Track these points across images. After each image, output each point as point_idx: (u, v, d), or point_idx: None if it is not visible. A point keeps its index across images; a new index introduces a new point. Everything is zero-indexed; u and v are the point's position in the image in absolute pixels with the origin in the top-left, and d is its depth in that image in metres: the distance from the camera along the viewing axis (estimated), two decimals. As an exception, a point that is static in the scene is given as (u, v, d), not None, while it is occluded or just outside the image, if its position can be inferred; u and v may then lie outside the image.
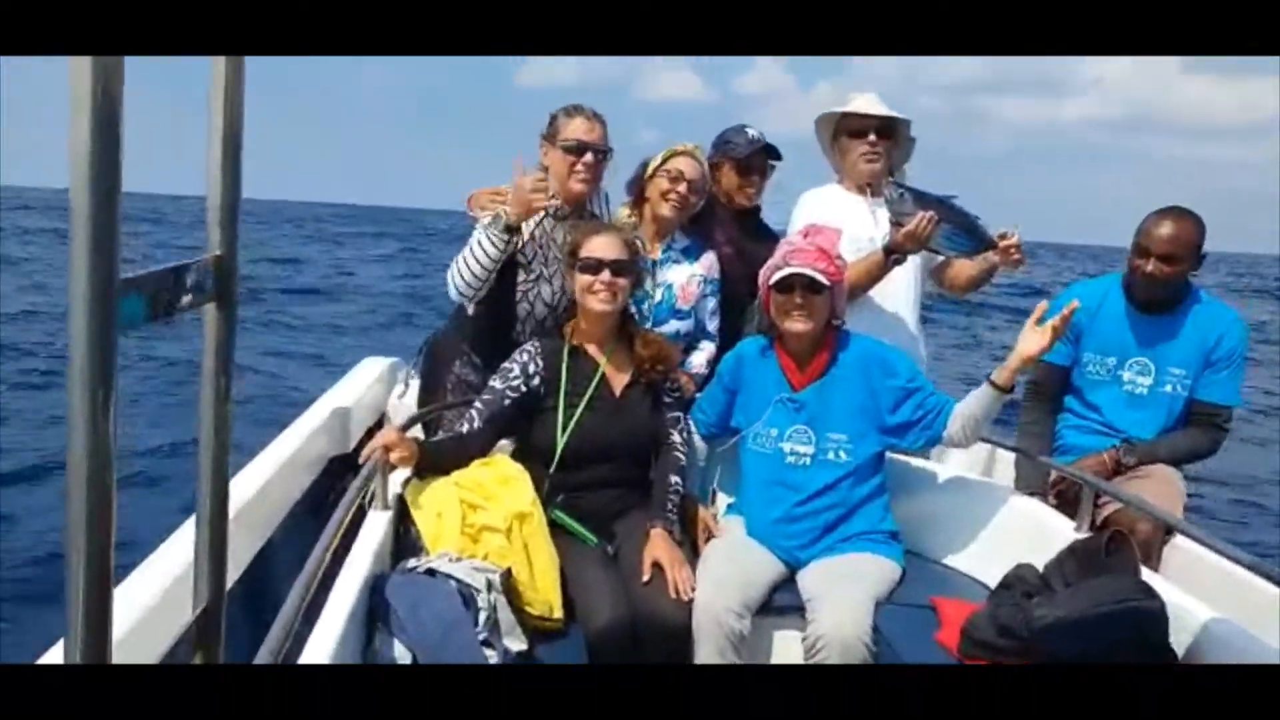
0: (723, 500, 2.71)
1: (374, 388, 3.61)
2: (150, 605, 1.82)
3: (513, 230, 2.57)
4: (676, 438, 2.55)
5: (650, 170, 2.87)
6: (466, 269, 2.60)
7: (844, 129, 3.02)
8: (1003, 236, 2.71)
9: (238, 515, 2.26)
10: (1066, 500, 2.67)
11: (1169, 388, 2.82)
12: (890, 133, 2.98)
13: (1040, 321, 2.35)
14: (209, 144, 0.89)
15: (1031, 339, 2.34)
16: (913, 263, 2.92)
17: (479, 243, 2.59)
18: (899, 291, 2.96)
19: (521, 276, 2.74)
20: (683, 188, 2.83)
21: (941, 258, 2.99)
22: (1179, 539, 2.52)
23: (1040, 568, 2.17)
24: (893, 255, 2.73)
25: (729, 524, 2.56)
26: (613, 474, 2.48)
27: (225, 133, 0.90)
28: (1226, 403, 2.81)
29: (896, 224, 2.69)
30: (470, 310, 2.83)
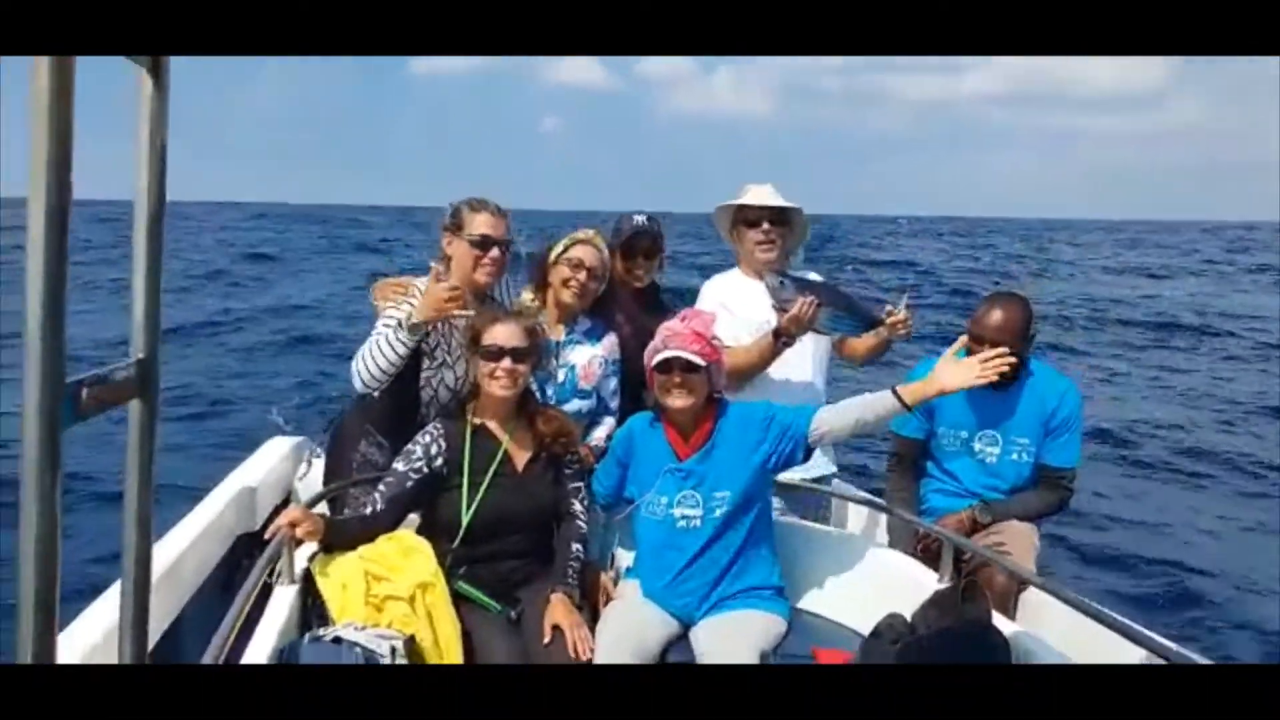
0: (621, 563, 2.83)
1: (279, 467, 3.66)
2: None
3: (419, 330, 2.62)
4: (578, 507, 2.68)
5: (553, 257, 3.01)
6: (374, 363, 2.64)
7: (740, 219, 3.24)
8: (890, 314, 2.89)
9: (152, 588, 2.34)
10: (932, 555, 2.86)
11: (1015, 455, 3.10)
12: (784, 220, 3.21)
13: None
14: (134, 259, 0.93)
15: (950, 373, 2.51)
16: (811, 339, 3.09)
17: (387, 341, 2.63)
18: (802, 364, 3.15)
19: (425, 364, 2.82)
20: (583, 275, 2.96)
21: (837, 337, 3.18)
22: (1035, 593, 2.72)
23: (909, 617, 2.33)
24: (780, 338, 2.92)
25: (626, 587, 2.67)
26: (516, 545, 2.58)
27: (149, 248, 0.93)
28: (1068, 465, 3.09)
29: (781, 310, 2.87)
30: (375, 394, 2.86)
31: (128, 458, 0.95)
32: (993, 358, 2.48)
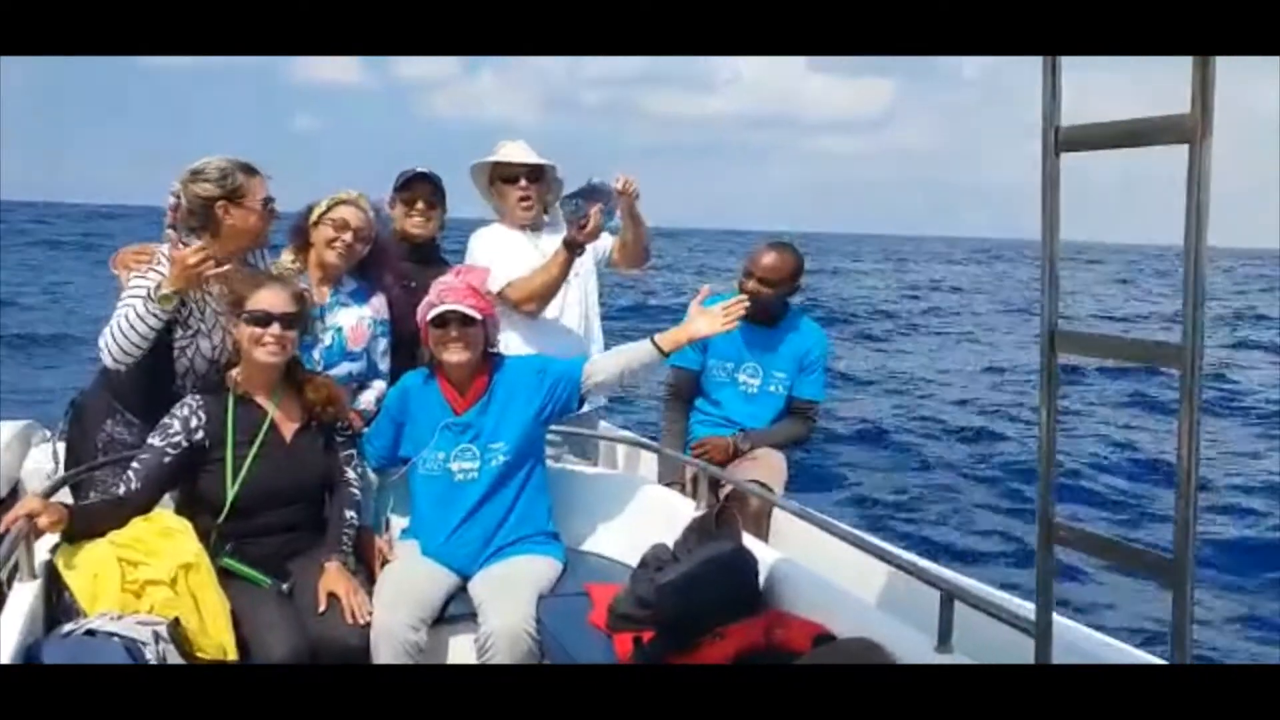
0: (396, 526, 2.84)
1: (3, 455, 3.34)
2: None
3: (170, 300, 2.48)
4: (351, 474, 2.66)
5: (315, 217, 2.93)
6: (124, 338, 2.49)
7: (497, 175, 3.34)
8: (618, 182, 3.03)
9: None
10: (698, 485, 3.06)
11: (773, 388, 3.43)
12: (539, 176, 3.32)
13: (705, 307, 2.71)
14: None
15: (702, 320, 2.68)
16: (580, 277, 3.30)
17: (137, 315, 2.49)
18: (570, 303, 3.30)
19: (179, 333, 2.66)
20: (348, 236, 2.91)
21: (606, 252, 3.37)
22: (779, 514, 3.00)
23: (671, 546, 2.49)
24: (574, 249, 3.04)
25: (403, 548, 2.70)
26: (286, 518, 2.53)
27: None
28: (814, 398, 3.47)
29: (580, 226, 3.00)
30: (121, 368, 2.71)
31: None
32: (734, 304, 2.70)
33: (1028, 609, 1.68)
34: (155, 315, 2.49)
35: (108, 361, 2.54)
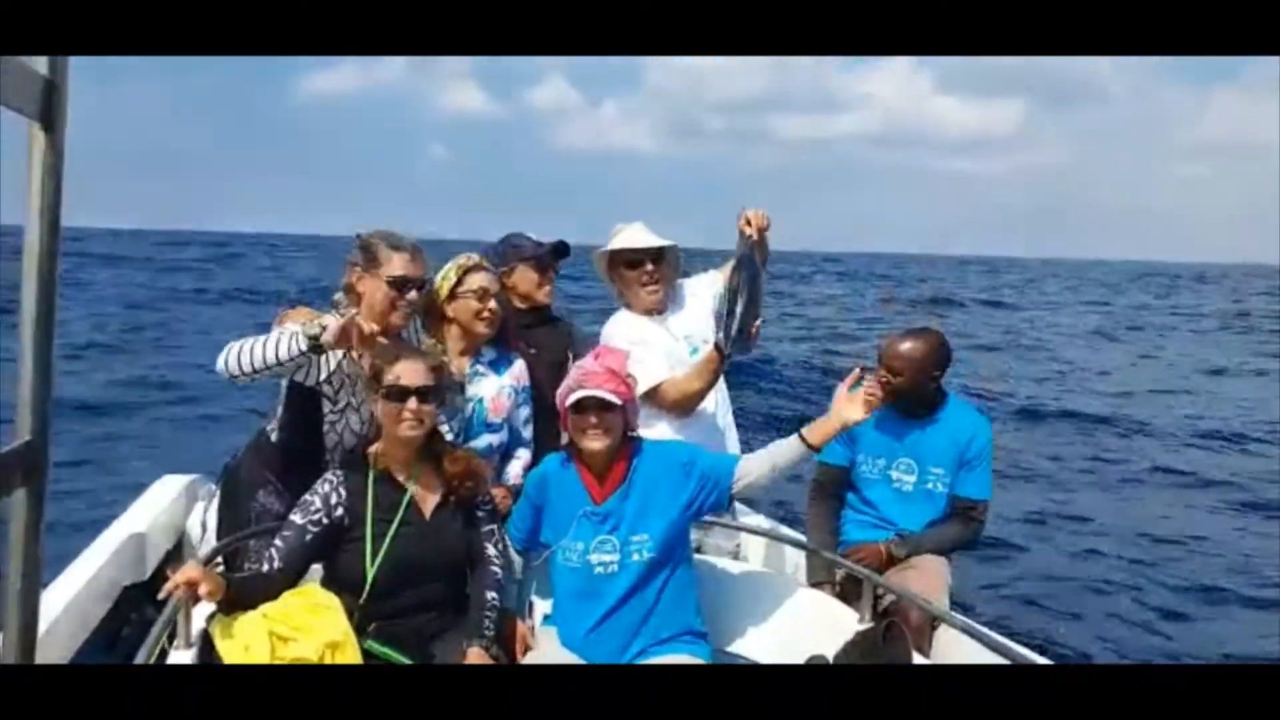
0: (539, 610, 2.73)
1: (170, 509, 3.42)
2: None
3: (319, 350, 2.44)
4: (492, 552, 2.56)
5: (447, 291, 2.88)
6: (249, 354, 2.44)
7: (619, 261, 3.22)
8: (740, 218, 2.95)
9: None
10: (850, 588, 2.90)
11: (930, 485, 3.16)
12: (662, 258, 3.20)
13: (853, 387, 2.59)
14: (21, 330, 0.84)
15: (850, 407, 2.54)
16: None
17: (277, 339, 2.46)
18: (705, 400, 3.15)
19: (327, 407, 2.67)
20: (493, 304, 2.87)
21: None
22: (949, 630, 2.75)
23: (830, 658, 2.34)
24: (723, 352, 2.91)
25: (544, 636, 2.60)
26: (427, 597, 2.45)
27: (39, 312, 0.85)
28: (981, 497, 3.16)
29: (744, 334, 2.86)
30: (274, 438, 2.74)
31: (10, 551, 0.87)
32: (873, 386, 2.56)
33: None
34: (292, 346, 2.41)
35: (219, 367, 2.47)
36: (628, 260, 3.18)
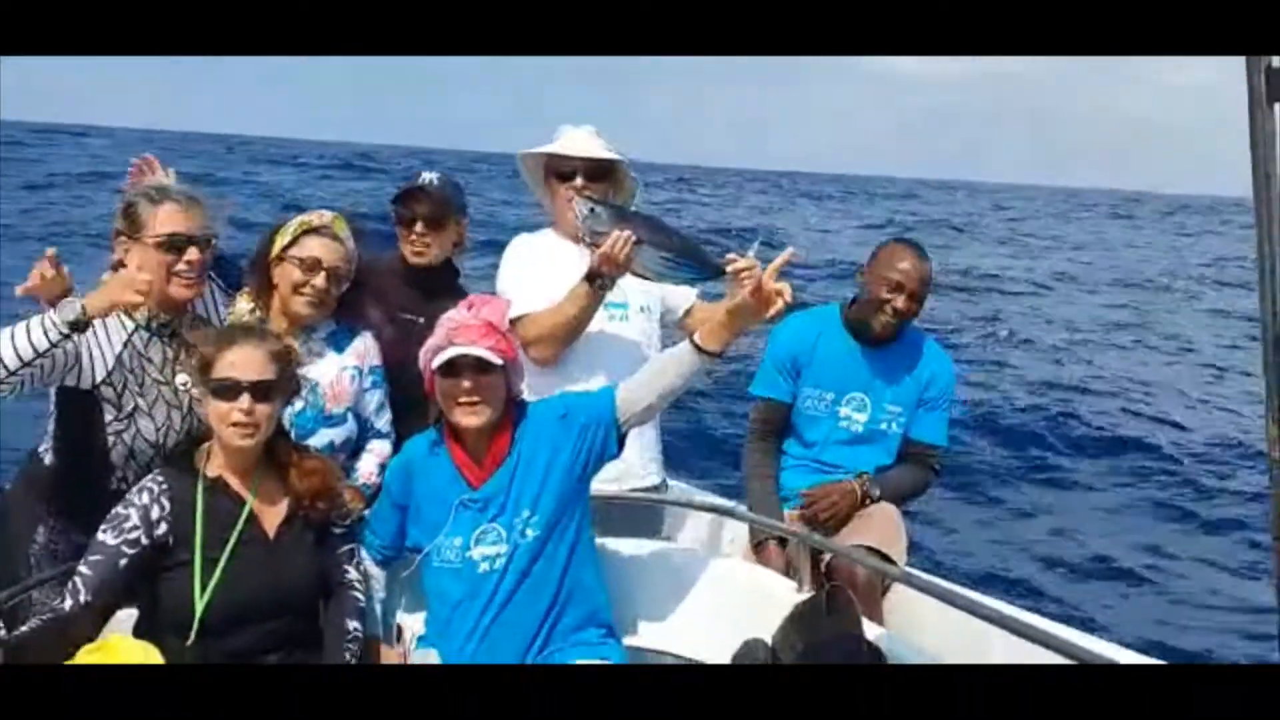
0: (410, 631, 2.41)
1: None
2: None
3: (80, 328, 2.05)
4: (352, 573, 2.28)
5: (276, 250, 2.43)
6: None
7: (552, 169, 2.77)
8: (730, 261, 2.33)
9: None
10: (798, 557, 2.53)
11: (884, 425, 2.83)
12: (604, 175, 2.74)
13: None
14: None
15: (754, 301, 2.10)
16: (643, 316, 2.76)
17: (26, 326, 2.08)
18: (623, 344, 2.70)
19: (110, 415, 2.30)
20: (320, 279, 2.41)
21: (682, 311, 2.84)
22: (901, 589, 2.56)
23: (769, 640, 2.08)
24: (596, 281, 2.50)
25: (421, 658, 2.30)
26: (271, 636, 2.12)
27: None
28: (937, 442, 2.87)
29: (593, 245, 2.47)
30: (47, 460, 2.39)
31: None
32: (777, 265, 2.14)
33: None
34: (47, 331, 2.03)
35: None
36: (561, 170, 2.73)
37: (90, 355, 2.26)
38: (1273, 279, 1.13)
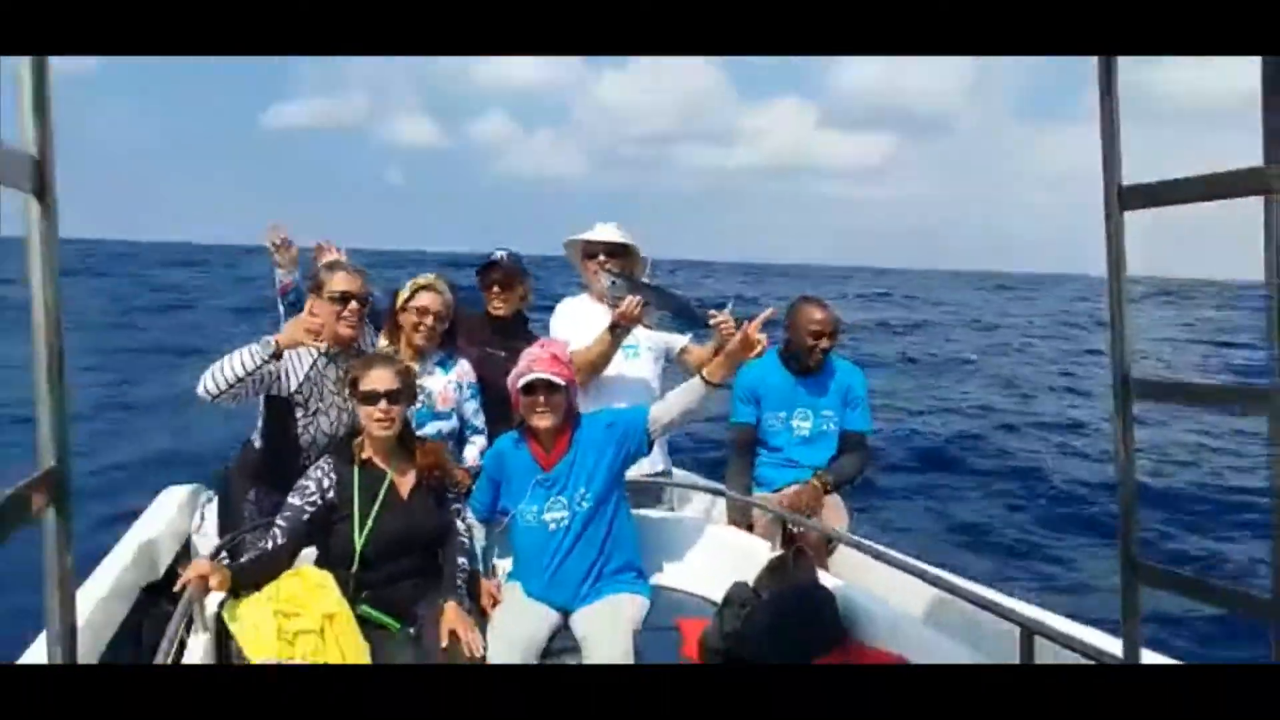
0: (501, 569, 2.99)
1: (176, 517, 3.58)
2: None
3: (278, 355, 2.75)
4: (460, 525, 2.79)
5: (399, 303, 3.16)
6: (221, 374, 2.72)
7: (586, 252, 3.47)
8: (712, 316, 3.10)
9: None
10: (765, 522, 3.26)
11: (825, 426, 3.56)
12: (622, 253, 3.42)
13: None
14: (35, 365, 0.86)
15: (740, 348, 2.77)
16: (650, 355, 3.44)
17: (240, 354, 2.73)
18: (639, 376, 3.43)
19: (300, 414, 2.91)
20: (429, 320, 3.14)
21: (678, 350, 3.49)
22: (844, 547, 3.14)
23: (750, 583, 2.64)
24: (616, 330, 3.13)
25: (509, 590, 2.83)
26: (408, 566, 2.66)
27: (49, 365, 0.87)
28: (863, 429, 3.60)
29: (613, 306, 3.10)
30: (257, 445, 2.98)
31: (45, 570, 0.89)
32: (752, 329, 2.78)
33: (1114, 645, 1.73)
34: (253, 358, 2.75)
35: (200, 391, 2.75)
36: (591, 251, 3.43)
37: (287, 373, 2.85)
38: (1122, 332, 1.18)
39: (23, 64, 0.79)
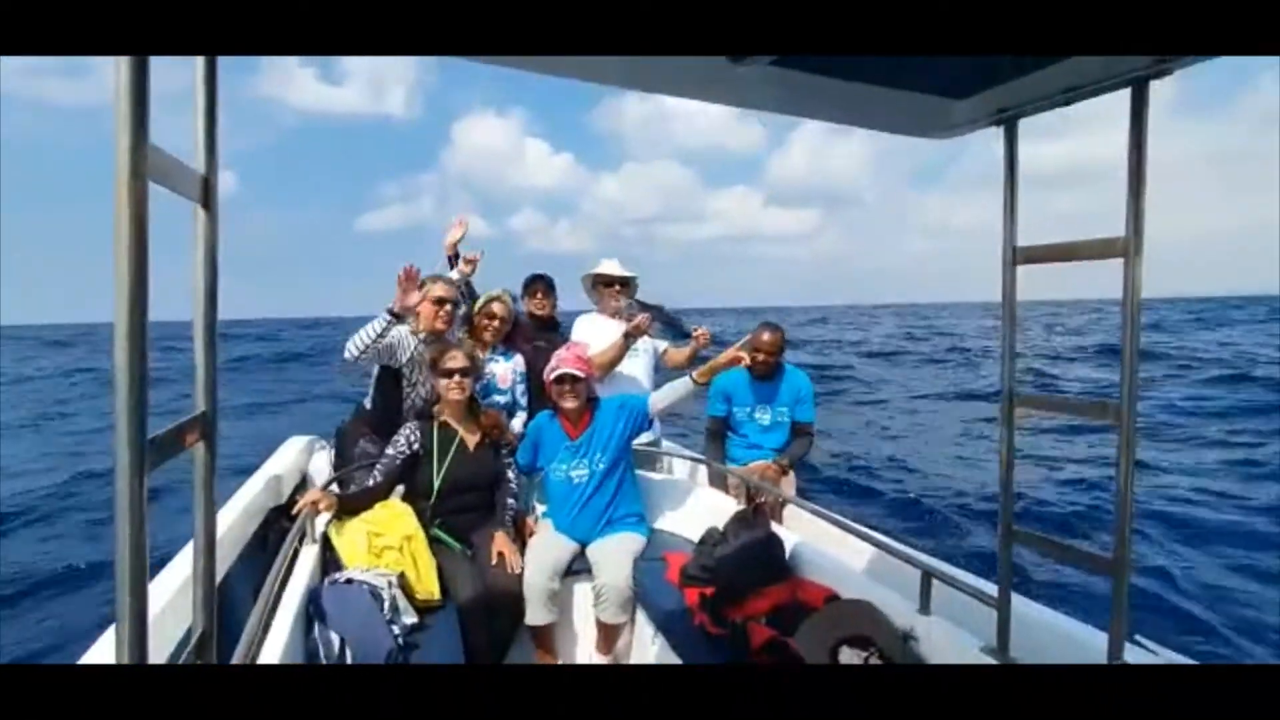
0: (539, 510, 3.32)
1: (297, 458, 3.95)
2: (154, 615, 1.69)
3: (395, 317, 3.03)
4: (510, 474, 3.07)
5: (477, 309, 3.57)
6: (360, 339, 3.02)
7: (598, 281, 3.92)
8: (695, 330, 3.66)
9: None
10: (735, 488, 3.62)
11: (780, 418, 3.90)
12: (626, 283, 3.88)
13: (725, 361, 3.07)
14: (195, 332, 0.88)
15: (725, 359, 3.06)
16: (647, 356, 3.86)
17: (371, 324, 3.03)
18: (636, 371, 3.86)
19: (405, 384, 3.25)
20: (496, 323, 3.56)
21: (663, 351, 3.91)
22: (793, 508, 3.37)
23: (721, 528, 2.87)
24: (628, 337, 3.53)
25: (543, 525, 3.15)
26: (470, 501, 2.95)
27: (206, 318, 0.87)
28: (809, 420, 3.96)
29: (628, 320, 3.51)
30: (368, 405, 3.33)
31: (195, 491, 0.95)
32: (740, 350, 3.13)
33: (990, 587, 1.80)
34: (382, 321, 3.04)
35: (346, 352, 3.03)
36: (603, 281, 3.89)
37: (398, 349, 3.14)
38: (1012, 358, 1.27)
39: (199, 92, 0.86)
